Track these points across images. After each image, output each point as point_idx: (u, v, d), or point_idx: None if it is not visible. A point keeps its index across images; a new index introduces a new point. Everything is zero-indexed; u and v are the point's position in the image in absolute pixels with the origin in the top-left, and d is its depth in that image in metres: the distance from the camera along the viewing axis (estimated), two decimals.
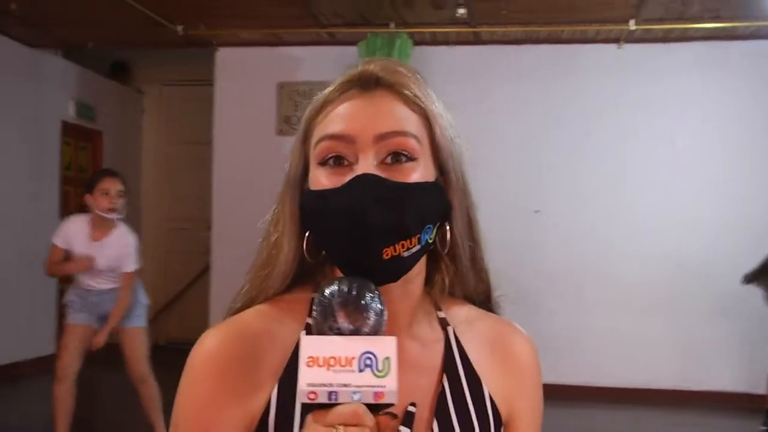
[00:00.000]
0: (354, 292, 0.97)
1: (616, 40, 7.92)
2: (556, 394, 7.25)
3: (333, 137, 1.07)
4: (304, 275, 1.16)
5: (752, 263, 6.75)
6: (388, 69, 1.12)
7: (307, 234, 1.12)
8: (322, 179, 1.08)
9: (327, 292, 0.97)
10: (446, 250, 1.15)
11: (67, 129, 8.90)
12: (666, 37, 7.79)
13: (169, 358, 8.56)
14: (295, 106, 8.39)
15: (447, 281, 1.20)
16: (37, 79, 8.42)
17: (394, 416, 0.97)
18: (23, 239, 8.07)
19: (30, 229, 8.19)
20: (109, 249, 5.27)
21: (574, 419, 6.89)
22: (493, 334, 1.22)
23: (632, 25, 7.38)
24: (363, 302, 0.97)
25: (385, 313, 0.98)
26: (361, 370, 0.92)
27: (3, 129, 7.87)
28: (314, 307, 0.98)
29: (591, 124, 8.04)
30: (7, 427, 6.87)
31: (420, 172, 1.09)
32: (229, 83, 8.48)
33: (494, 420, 1.15)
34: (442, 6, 7.00)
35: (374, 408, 0.93)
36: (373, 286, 0.99)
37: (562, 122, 8.04)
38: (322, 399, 0.91)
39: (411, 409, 1.09)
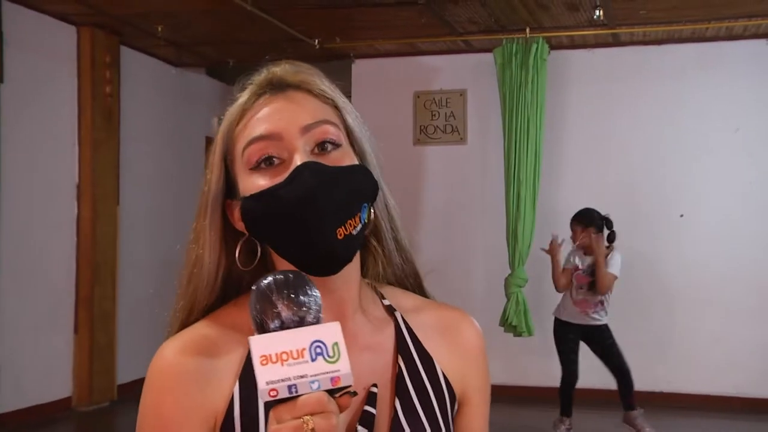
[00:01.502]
0: (290, 283, 1.00)
1: (764, 36, 7.82)
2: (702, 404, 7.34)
3: (261, 138, 1.14)
4: (243, 284, 1.22)
5: None
6: (292, 71, 1.21)
7: (241, 242, 1.19)
8: (258, 182, 1.14)
9: (262, 285, 1.00)
10: (368, 230, 1.21)
11: (211, 144, 9.41)
12: None
13: None
14: (431, 115, 8.64)
15: (379, 262, 1.29)
16: (182, 97, 8.87)
17: (354, 393, 1.00)
18: (168, 252, 8.49)
19: (175, 242, 8.70)
20: None
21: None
22: (441, 320, 1.29)
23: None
24: (301, 290, 1.00)
25: (320, 300, 1.02)
26: (313, 359, 0.96)
27: (152, 144, 8.35)
28: (252, 299, 1.00)
29: (740, 121, 7.93)
30: None
31: (347, 158, 1.18)
32: (366, 94, 8.64)
33: (449, 397, 1.24)
34: (578, 8, 7.05)
35: (333, 393, 0.97)
36: (307, 277, 1.02)
37: (710, 121, 7.96)
38: (283, 394, 0.95)
39: (373, 390, 1.17)
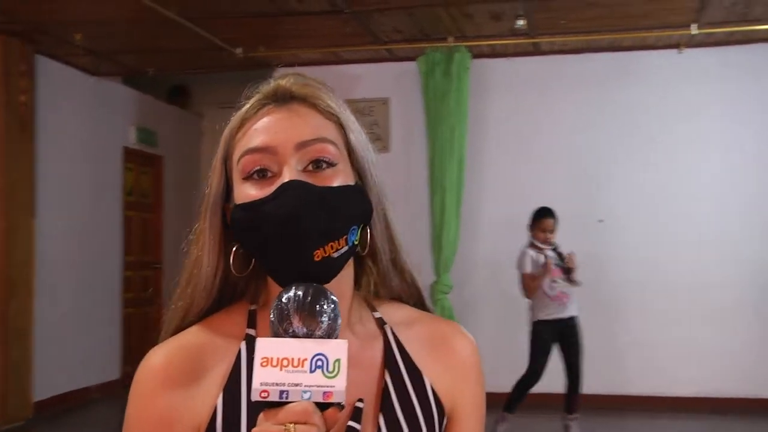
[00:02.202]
0: (309, 298, 1.04)
1: (676, 46, 8.08)
2: (628, 405, 7.59)
3: (256, 150, 1.15)
4: (237, 291, 1.24)
5: None
6: (300, 83, 1.22)
7: (234, 248, 1.20)
8: (248, 192, 1.15)
9: (284, 297, 1.04)
10: (365, 251, 1.23)
11: (129, 154, 9.29)
12: (728, 40, 7.92)
13: None
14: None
15: (372, 282, 1.29)
16: (98, 106, 8.79)
17: (342, 407, 1.01)
18: (86, 265, 8.43)
19: (93, 255, 8.54)
20: None
21: (646, 428, 7.17)
22: (432, 333, 1.29)
23: (694, 29, 7.49)
24: (317, 307, 1.03)
25: (339, 318, 1.05)
26: (312, 371, 0.99)
27: (66, 155, 8.24)
28: (272, 311, 1.04)
29: (655, 130, 8.17)
30: None
31: (341, 177, 1.17)
32: None
33: (437, 412, 1.23)
34: (500, 18, 7.20)
35: (323, 407, 0.99)
36: (329, 293, 1.06)
37: (626, 129, 8.21)
38: (274, 397, 0.98)
39: (359, 405, 1.16)
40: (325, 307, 1.03)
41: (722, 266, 8.00)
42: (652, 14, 7.23)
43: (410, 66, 8.31)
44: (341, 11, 6.90)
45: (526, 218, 6.83)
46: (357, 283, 1.28)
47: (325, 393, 0.98)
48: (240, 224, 1.15)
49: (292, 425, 0.95)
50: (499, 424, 6.48)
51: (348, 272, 1.21)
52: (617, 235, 8.03)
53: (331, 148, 1.16)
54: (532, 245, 6.58)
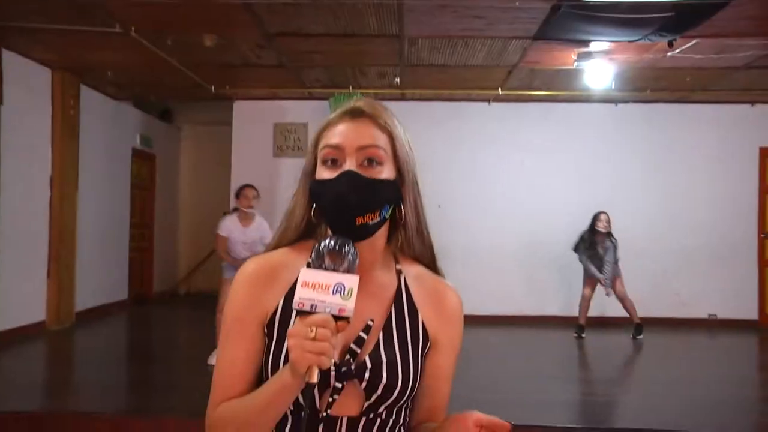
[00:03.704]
0: (336, 245, 1.03)
1: (487, 100, 8.59)
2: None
3: (331, 146, 1.15)
4: (311, 231, 1.22)
5: (572, 238, 7.64)
6: (370, 105, 1.19)
7: (314, 205, 1.18)
8: (323, 173, 1.15)
9: (321, 243, 1.04)
10: (402, 222, 1.21)
11: (135, 153, 9.46)
12: (519, 98, 8.47)
13: (196, 301, 9.14)
14: (284, 138, 8.92)
15: (400, 241, 1.24)
16: (118, 120, 8.93)
17: (348, 322, 1.00)
18: (108, 223, 8.64)
19: (112, 216, 8.76)
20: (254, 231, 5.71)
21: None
22: (433, 287, 1.25)
23: (500, 90, 8.10)
24: (342, 251, 1.03)
25: (356, 261, 1.04)
26: (333, 294, 0.99)
27: (98, 151, 8.31)
28: (312, 251, 1.04)
29: (474, 151, 8.66)
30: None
31: (385, 173, 1.15)
32: (243, 123, 8.93)
33: (423, 339, 1.19)
34: (384, 76, 7.64)
35: (337, 319, 0.99)
36: (350, 242, 1.05)
37: (456, 150, 8.60)
38: (306, 308, 0.98)
39: (369, 323, 1.15)
40: (347, 252, 1.03)
41: (513, 235, 8.54)
42: (476, 80, 7.69)
43: (323, 103, 8.47)
44: (284, 66, 7.14)
45: None
46: (389, 240, 1.24)
47: (340, 309, 0.98)
48: (314, 193, 1.16)
49: (315, 327, 0.97)
50: None
51: (382, 233, 1.19)
52: (450, 217, 8.12)
53: (381, 152, 1.15)
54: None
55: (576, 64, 6.70)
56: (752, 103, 8.73)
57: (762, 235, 8.89)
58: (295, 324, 1.01)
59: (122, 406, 4.77)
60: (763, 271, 8.88)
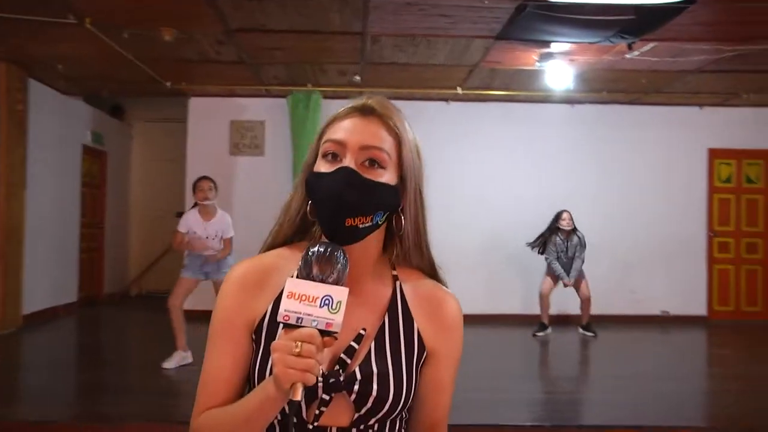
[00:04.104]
0: (327, 254, 0.99)
1: (446, 99, 8.61)
2: None
3: (333, 141, 1.11)
4: (307, 228, 1.19)
5: (533, 236, 7.79)
6: (381, 104, 1.15)
7: (310, 199, 1.13)
8: (322, 166, 1.12)
9: (310, 250, 0.99)
10: (400, 232, 1.16)
11: (86, 151, 9.20)
12: (478, 98, 8.50)
13: (148, 303, 9.00)
14: (241, 136, 8.81)
15: (396, 252, 1.20)
16: (68, 116, 8.68)
17: (335, 338, 0.96)
18: (57, 222, 8.42)
19: (62, 215, 8.53)
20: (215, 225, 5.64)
21: None
22: (431, 295, 1.20)
23: (459, 90, 8.10)
24: (332, 259, 0.98)
25: (347, 270, 0.99)
26: (321, 307, 0.95)
27: (47, 148, 8.08)
28: (301, 259, 1.00)
29: (433, 153, 8.51)
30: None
31: (386, 177, 1.10)
32: (198, 120, 8.79)
33: (418, 348, 1.15)
34: (345, 74, 7.55)
35: (324, 334, 0.95)
36: (341, 250, 1.01)
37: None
38: (292, 321, 0.95)
39: (362, 332, 1.12)
40: (336, 262, 0.99)
41: (474, 232, 8.60)
42: (436, 79, 7.70)
43: (280, 101, 8.50)
44: (244, 62, 7.03)
45: None
46: (386, 249, 1.20)
47: (327, 323, 0.95)
48: (309, 185, 1.13)
49: (300, 342, 0.94)
50: None
51: (376, 239, 1.15)
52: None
53: (384, 155, 1.11)
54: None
55: (537, 64, 6.76)
56: (701, 105, 8.97)
57: (710, 234, 9.15)
58: (279, 337, 0.97)
59: (74, 413, 4.56)
60: (712, 268, 9.17)
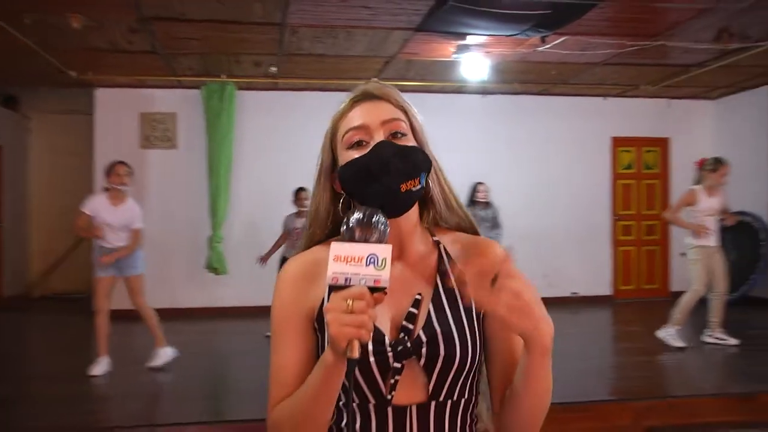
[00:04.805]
0: (365, 217, 1.02)
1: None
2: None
3: (355, 128, 1.17)
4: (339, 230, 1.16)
5: None
6: (379, 88, 1.23)
7: (342, 198, 1.20)
8: (352, 155, 1.16)
9: (350, 218, 1.03)
10: (429, 195, 1.24)
11: None
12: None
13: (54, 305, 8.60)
14: (152, 128, 8.62)
15: (429, 216, 1.26)
16: None
17: (385, 292, 0.98)
18: None
19: None
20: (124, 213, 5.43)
21: None
22: (471, 245, 1.25)
23: (374, 81, 8.14)
24: (371, 222, 1.02)
25: (387, 230, 1.03)
26: (367, 265, 0.97)
27: None
28: (342, 225, 1.03)
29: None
30: None
31: (411, 143, 1.19)
32: (106, 112, 8.54)
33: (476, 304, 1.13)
34: (260, 65, 7.53)
35: (374, 290, 0.97)
36: (379, 212, 1.04)
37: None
38: (341, 282, 0.97)
39: (417, 297, 1.16)
40: (376, 223, 1.02)
41: None
42: (352, 70, 7.76)
43: (194, 92, 8.39)
44: (157, 52, 6.92)
45: (274, 196, 7.41)
46: (422, 218, 1.26)
47: (375, 280, 0.97)
48: (347, 175, 1.16)
49: (351, 300, 0.96)
50: None
51: (414, 208, 1.21)
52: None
53: (403, 124, 1.20)
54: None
55: (454, 56, 6.94)
56: (605, 96, 9.47)
57: (615, 218, 9.70)
58: (330, 299, 0.99)
59: None
60: (616, 250, 9.69)
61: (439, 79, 8.38)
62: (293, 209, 6.89)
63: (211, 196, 8.48)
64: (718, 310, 6.24)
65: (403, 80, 8.33)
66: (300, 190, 6.88)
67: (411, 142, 1.20)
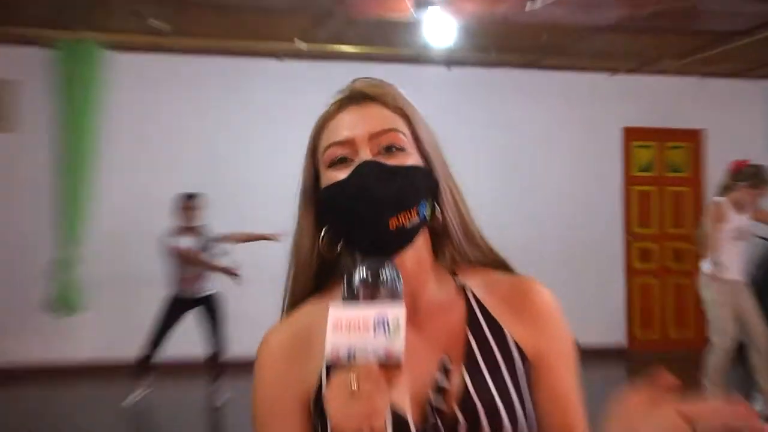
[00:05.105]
0: (371, 268, 1.09)
1: (277, 55, 8.60)
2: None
3: (337, 143, 1.25)
4: (330, 265, 1.30)
5: None
6: (372, 85, 1.31)
7: (324, 229, 1.27)
8: (333, 176, 1.24)
9: (352, 276, 1.09)
10: (441, 225, 1.29)
11: None
12: (324, 56, 8.60)
13: None
14: None
15: (447, 252, 1.33)
16: None
17: (400, 366, 1.03)
18: None
19: None
20: None
21: None
22: (511, 290, 1.31)
23: (299, 43, 8.10)
24: (379, 279, 1.08)
25: (400, 282, 1.10)
26: (375, 332, 1.03)
27: None
28: (343, 287, 1.10)
29: (255, 126, 8.73)
30: None
31: (411, 160, 1.26)
32: None
33: (520, 357, 1.25)
34: (141, 15, 7.42)
35: (385, 366, 1.03)
36: (387, 262, 1.11)
37: (229, 124, 8.70)
38: (343, 357, 1.03)
39: (444, 361, 1.23)
40: (385, 278, 1.08)
41: None
42: (267, 29, 7.84)
43: (44, 52, 8.25)
44: None
45: (157, 202, 7.31)
46: (437, 256, 1.33)
47: (386, 351, 1.03)
48: (325, 203, 1.26)
49: (356, 382, 1.01)
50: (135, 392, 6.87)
51: (424, 244, 1.29)
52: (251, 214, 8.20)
53: (400, 136, 1.26)
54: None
55: (411, 13, 7.02)
56: (613, 72, 9.61)
57: (628, 238, 9.89)
58: (330, 383, 1.04)
59: None
60: (632, 282, 9.89)
61: (390, 45, 8.42)
62: (177, 222, 7.01)
63: (62, 200, 8.40)
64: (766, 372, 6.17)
65: (341, 43, 8.42)
66: (190, 197, 6.96)
67: (412, 158, 1.27)
